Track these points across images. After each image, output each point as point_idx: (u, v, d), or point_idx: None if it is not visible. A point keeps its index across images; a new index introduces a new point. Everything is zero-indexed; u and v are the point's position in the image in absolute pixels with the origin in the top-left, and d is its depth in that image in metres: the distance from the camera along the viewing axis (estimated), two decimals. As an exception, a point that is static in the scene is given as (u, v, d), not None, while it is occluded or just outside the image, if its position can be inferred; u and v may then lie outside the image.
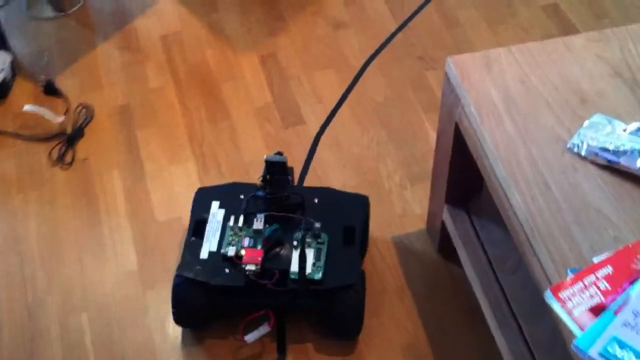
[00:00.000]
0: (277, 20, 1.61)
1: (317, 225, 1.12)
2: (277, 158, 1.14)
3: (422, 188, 1.31)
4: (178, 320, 1.13)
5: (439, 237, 1.18)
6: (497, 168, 0.85)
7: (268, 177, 1.14)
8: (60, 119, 1.40)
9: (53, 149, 1.38)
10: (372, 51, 1.55)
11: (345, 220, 1.15)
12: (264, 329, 1.11)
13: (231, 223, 1.14)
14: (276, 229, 1.12)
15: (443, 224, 1.13)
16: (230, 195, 1.18)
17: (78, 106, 1.43)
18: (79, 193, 1.32)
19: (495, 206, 1.08)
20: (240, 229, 1.14)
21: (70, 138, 1.39)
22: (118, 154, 1.38)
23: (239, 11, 1.63)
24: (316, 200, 1.17)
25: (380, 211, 1.27)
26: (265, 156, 1.14)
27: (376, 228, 1.24)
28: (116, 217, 1.28)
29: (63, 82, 1.49)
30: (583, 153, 0.83)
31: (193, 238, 1.14)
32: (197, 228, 1.15)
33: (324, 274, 1.08)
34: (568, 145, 0.84)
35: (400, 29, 1.59)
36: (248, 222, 1.14)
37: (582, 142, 0.83)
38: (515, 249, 1.04)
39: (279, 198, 1.14)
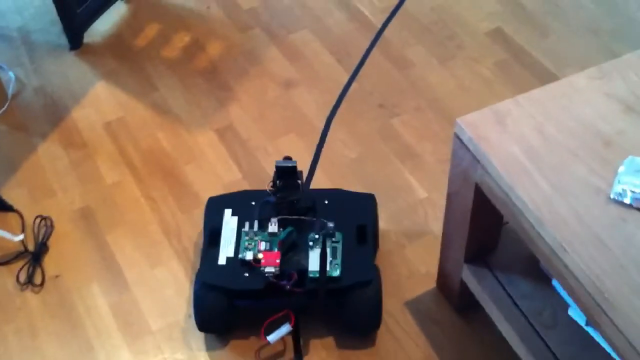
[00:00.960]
0: (223, 89, 1.54)
1: (331, 225, 1.16)
2: (287, 163, 1.17)
3: (421, 244, 1.26)
4: (201, 326, 1.15)
5: (457, 297, 1.13)
6: (543, 230, 0.81)
7: (278, 182, 1.18)
8: (19, 237, 1.27)
9: (20, 271, 1.24)
10: (329, 106, 1.50)
11: (356, 219, 1.19)
12: (285, 329, 1.13)
13: (246, 229, 1.17)
14: (291, 231, 1.15)
15: (462, 283, 1.09)
16: (242, 203, 1.21)
17: (35, 218, 1.31)
18: (61, 317, 1.19)
19: (515, 259, 1.06)
20: (256, 233, 1.16)
21: (35, 255, 1.26)
22: (92, 265, 1.26)
23: (180, 86, 1.55)
24: (326, 202, 1.21)
25: (387, 275, 1.21)
26: (275, 162, 1.18)
27: (387, 294, 1.18)
28: (109, 339, 1.16)
29: (10, 195, 1.36)
30: (628, 201, 0.81)
31: (209, 246, 1.16)
32: (212, 237, 1.17)
33: (341, 271, 1.12)
34: (611, 196, 0.81)
35: (352, 78, 1.55)
36: (263, 226, 1.17)
37: (624, 190, 0.81)
38: (548, 300, 1.02)
39: (290, 202, 1.17)
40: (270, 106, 1.50)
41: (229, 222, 1.19)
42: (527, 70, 1.55)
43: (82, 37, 1.63)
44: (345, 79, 1.55)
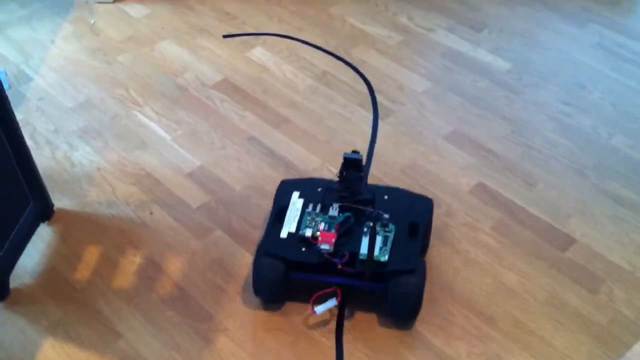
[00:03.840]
0: (201, 319, 1.27)
1: (386, 216, 1.28)
2: (354, 155, 1.29)
3: None
4: (257, 291, 1.27)
5: None
6: None
7: (344, 173, 1.29)
8: None
9: None
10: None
11: (411, 216, 1.30)
12: (331, 303, 1.24)
13: (309, 209, 1.30)
14: (348, 216, 1.28)
15: None
16: (309, 188, 1.35)
17: None
18: None
19: None
20: (317, 215, 1.29)
21: None
22: None
23: (147, 326, 1.25)
24: (386, 197, 1.32)
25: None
26: (344, 153, 1.28)
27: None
28: None
29: None
30: None
31: (274, 222, 1.30)
32: (278, 214, 1.31)
33: (389, 257, 1.23)
34: None
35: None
36: (324, 210, 1.30)
37: None
38: None
39: (352, 192, 1.30)
40: (265, 330, 1.26)
41: (295, 203, 1.32)
42: (528, 229, 1.42)
43: (7, 285, 1.31)
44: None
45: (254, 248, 1.39)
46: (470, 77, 1.76)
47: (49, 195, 1.44)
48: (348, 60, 1.79)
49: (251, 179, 1.53)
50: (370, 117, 1.65)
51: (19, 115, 1.37)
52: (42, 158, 1.56)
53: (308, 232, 1.26)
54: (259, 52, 1.83)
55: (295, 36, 1.87)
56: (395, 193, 1.34)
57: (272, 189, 1.49)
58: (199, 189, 1.51)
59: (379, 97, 1.70)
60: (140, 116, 1.67)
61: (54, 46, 1.87)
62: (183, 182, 1.52)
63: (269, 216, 1.34)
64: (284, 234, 1.27)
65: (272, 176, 1.53)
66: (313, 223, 1.28)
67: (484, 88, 1.73)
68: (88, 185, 1.51)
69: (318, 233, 1.25)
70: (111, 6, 2.00)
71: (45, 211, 1.44)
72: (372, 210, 1.28)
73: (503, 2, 2.00)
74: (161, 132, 1.63)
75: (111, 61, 1.82)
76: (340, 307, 1.28)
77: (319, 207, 1.31)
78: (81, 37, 1.90)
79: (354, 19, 1.94)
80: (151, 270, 1.35)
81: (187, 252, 1.38)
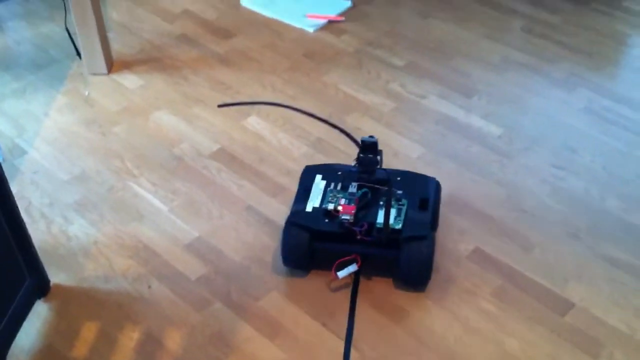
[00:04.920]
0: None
1: (399, 192, 1.47)
2: (370, 139, 1.44)
3: None
4: (285, 260, 1.44)
5: None
6: None
7: (361, 155, 1.45)
8: None
9: None
10: (335, 387, 1.28)
11: (421, 193, 1.48)
12: (352, 268, 1.40)
13: (331, 187, 1.49)
14: (366, 192, 1.46)
15: None
16: (330, 171, 1.54)
17: None
18: None
19: None
20: (338, 192, 1.48)
21: None
22: None
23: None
24: (398, 179, 1.50)
25: None
26: (361, 137, 1.43)
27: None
28: None
29: None
30: None
31: (299, 199, 1.48)
32: (304, 192, 1.49)
33: (403, 226, 1.40)
34: None
35: (348, 346, 1.33)
36: (344, 188, 1.49)
37: None
38: None
39: (369, 172, 1.46)
40: (267, 406, 1.24)
41: (319, 183, 1.51)
42: (527, 294, 1.42)
43: (4, 363, 1.29)
44: (340, 346, 1.33)
45: (254, 320, 1.37)
46: (463, 142, 1.79)
47: (45, 271, 1.43)
48: (342, 127, 1.81)
49: (250, 248, 1.52)
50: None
51: (13, 189, 1.37)
52: (37, 232, 1.56)
53: (330, 206, 1.44)
54: (254, 121, 1.85)
55: (290, 104, 1.89)
56: (407, 174, 1.53)
57: (270, 259, 1.49)
58: (197, 260, 1.50)
59: (373, 164, 1.72)
60: (136, 187, 1.67)
61: (48, 118, 1.88)
62: (181, 254, 1.51)
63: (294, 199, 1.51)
64: (309, 208, 1.44)
65: (271, 246, 1.52)
66: (335, 199, 1.46)
67: (477, 153, 1.75)
68: (84, 260, 1.50)
69: (340, 207, 1.43)
70: (105, 77, 2.02)
71: (41, 287, 1.42)
72: (386, 188, 1.41)
73: (492, 68, 2.04)
74: (158, 203, 1.63)
75: (106, 132, 1.83)
76: (356, 274, 1.44)
77: (339, 186, 1.49)
78: (75, 109, 1.91)
79: (347, 87, 1.97)
80: (150, 345, 1.33)
81: (186, 326, 1.37)
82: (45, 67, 2.07)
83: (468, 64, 2.06)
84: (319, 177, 1.52)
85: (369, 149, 1.44)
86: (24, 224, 1.36)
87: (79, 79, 2.02)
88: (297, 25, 2.23)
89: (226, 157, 1.75)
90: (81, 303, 1.41)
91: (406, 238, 1.38)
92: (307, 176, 1.53)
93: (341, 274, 1.39)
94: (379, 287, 1.44)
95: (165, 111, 1.90)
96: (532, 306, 1.40)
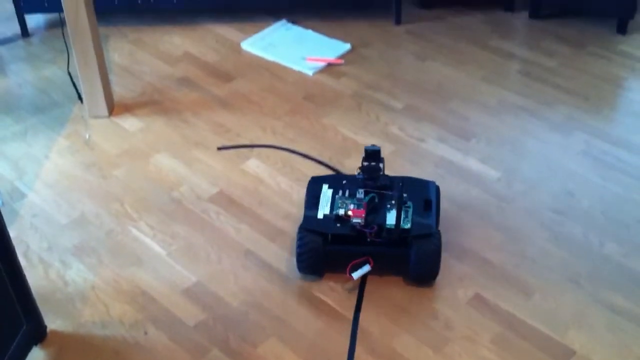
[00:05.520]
0: None
1: (405, 195, 1.55)
2: (373, 148, 1.56)
3: None
4: (300, 266, 1.52)
5: None
6: None
7: (365, 163, 1.56)
8: None
9: None
10: None
11: (424, 195, 1.58)
12: (366, 268, 1.49)
13: (339, 195, 1.57)
14: (373, 196, 1.55)
15: None
16: (336, 181, 1.62)
17: None
18: None
19: None
20: (346, 198, 1.56)
21: None
22: None
23: None
24: (401, 184, 1.51)
25: None
26: (365, 146, 1.57)
27: None
28: None
29: None
30: None
31: (309, 208, 1.55)
32: (313, 201, 1.57)
33: (411, 225, 1.50)
34: None
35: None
36: (352, 194, 1.57)
37: None
38: None
39: (374, 178, 1.57)
40: None
41: (326, 192, 1.59)
42: (527, 342, 1.41)
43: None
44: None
45: (251, 367, 1.37)
46: (462, 185, 1.79)
47: (42, 317, 1.42)
48: (341, 170, 1.82)
49: (248, 294, 1.51)
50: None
51: (12, 233, 1.37)
52: (35, 277, 1.55)
53: (341, 211, 1.53)
54: (254, 164, 1.86)
55: (289, 147, 1.90)
56: (408, 179, 1.61)
57: (269, 304, 1.49)
58: (195, 305, 1.49)
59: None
60: (135, 231, 1.67)
61: (48, 161, 1.89)
62: (179, 299, 1.50)
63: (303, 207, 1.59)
64: (320, 215, 1.53)
65: (270, 290, 1.52)
66: (344, 204, 1.54)
67: (476, 196, 1.76)
68: (82, 305, 1.49)
69: (350, 211, 1.52)
70: (106, 120, 2.03)
71: (38, 333, 1.41)
72: (391, 193, 1.55)
73: (490, 111, 2.05)
74: (156, 247, 1.63)
75: (106, 175, 1.83)
76: (361, 285, 1.53)
77: (347, 193, 1.58)
78: (76, 152, 1.92)
79: (346, 130, 1.98)
80: (147, 393, 1.33)
81: (183, 375, 1.36)
82: (47, 110, 2.08)
83: (466, 106, 2.07)
84: (325, 186, 1.60)
85: (371, 157, 1.56)
86: (22, 269, 1.36)
87: (80, 122, 2.03)
88: (297, 68, 2.25)
89: (225, 200, 1.75)
90: (78, 350, 1.40)
91: (415, 236, 1.48)
92: (314, 186, 1.62)
93: (356, 274, 1.47)
94: (378, 331, 1.43)
95: (165, 154, 1.90)
96: (533, 354, 1.39)
